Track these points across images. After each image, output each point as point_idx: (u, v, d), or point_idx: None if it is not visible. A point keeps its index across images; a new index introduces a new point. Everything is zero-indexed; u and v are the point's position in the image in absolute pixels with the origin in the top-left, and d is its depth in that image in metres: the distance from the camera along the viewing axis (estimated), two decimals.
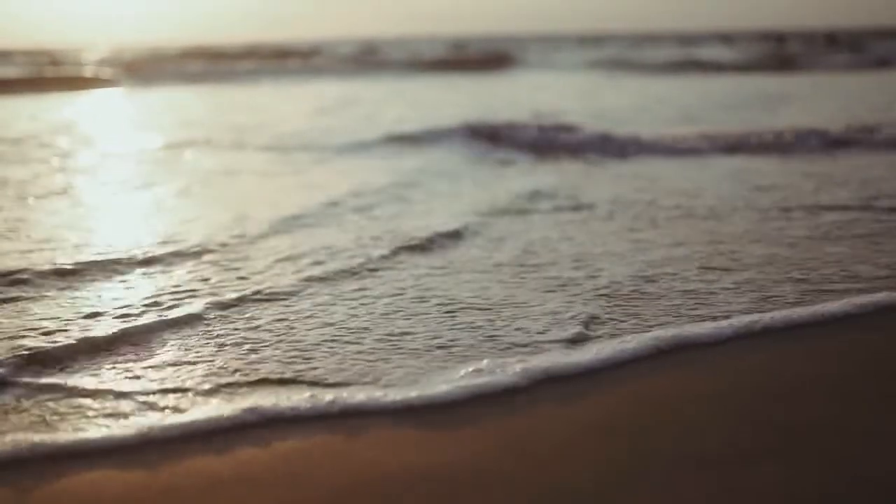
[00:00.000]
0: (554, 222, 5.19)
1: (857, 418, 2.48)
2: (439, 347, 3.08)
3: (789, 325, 3.27)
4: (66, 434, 2.41)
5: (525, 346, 3.08)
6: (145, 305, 3.55)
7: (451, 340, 3.15)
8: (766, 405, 2.59)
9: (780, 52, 34.79)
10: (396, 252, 4.39)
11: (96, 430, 2.43)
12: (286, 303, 3.61)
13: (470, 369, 2.81)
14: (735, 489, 2.11)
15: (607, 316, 3.38)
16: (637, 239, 4.70)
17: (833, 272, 3.95)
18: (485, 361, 2.87)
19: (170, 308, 3.51)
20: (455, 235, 4.77)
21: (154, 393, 2.70)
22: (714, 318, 3.32)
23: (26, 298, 3.69)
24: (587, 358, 2.91)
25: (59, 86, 21.43)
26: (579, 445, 2.36)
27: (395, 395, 2.63)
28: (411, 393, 2.64)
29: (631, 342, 3.04)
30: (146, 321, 3.34)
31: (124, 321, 3.35)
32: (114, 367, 2.91)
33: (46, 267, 4.09)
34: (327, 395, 2.62)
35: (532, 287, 3.81)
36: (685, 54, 34.69)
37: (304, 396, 2.62)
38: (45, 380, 2.79)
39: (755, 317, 3.31)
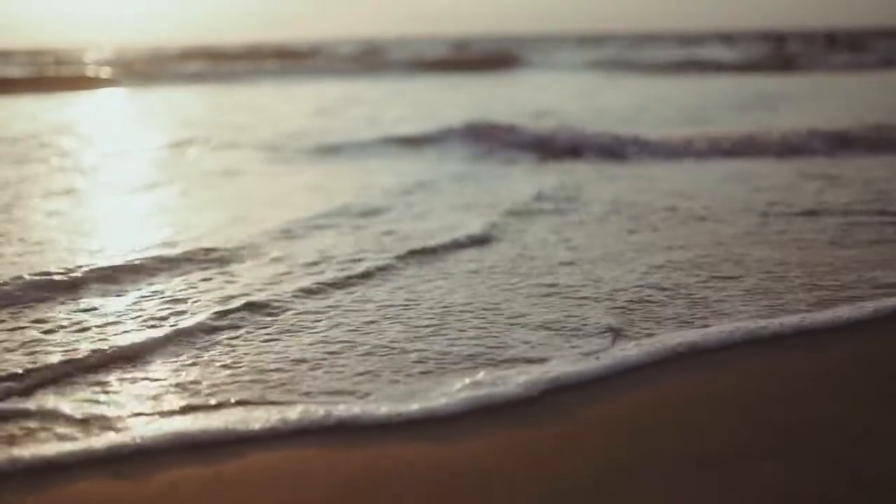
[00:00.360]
0: (557, 226, 5.16)
1: (857, 418, 2.48)
2: (438, 358, 3.02)
3: (798, 331, 3.24)
4: (51, 447, 2.37)
5: (527, 355, 3.03)
6: (136, 316, 3.48)
7: (452, 350, 3.09)
8: (767, 406, 2.59)
9: (781, 52, 34.84)
10: (396, 258, 4.32)
11: (81, 443, 2.38)
12: (282, 312, 3.55)
13: (468, 381, 2.76)
14: (735, 489, 2.11)
15: (611, 322, 3.35)
16: (640, 242, 4.68)
17: (840, 276, 3.91)
18: (481, 374, 2.82)
19: (162, 318, 3.44)
20: (456, 240, 4.71)
21: (143, 404, 2.65)
22: (721, 324, 3.28)
23: (17, 305, 3.64)
24: (592, 367, 2.88)
25: (59, 86, 21.46)
26: (580, 446, 2.36)
27: (392, 407, 2.59)
28: (412, 405, 2.60)
29: (634, 350, 3.02)
30: (136, 332, 3.27)
31: (113, 332, 3.28)
32: (101, 380, 2.83)
33: (38, 271, 3.98)
34: (322, 409, 2.56)
35: (535, 294, 3.77)
36: (685, 54, 34.72)
37: (297, 409, 2.56)
38: (28, 394, 2.72)
39: (763, 322, 3.27)
